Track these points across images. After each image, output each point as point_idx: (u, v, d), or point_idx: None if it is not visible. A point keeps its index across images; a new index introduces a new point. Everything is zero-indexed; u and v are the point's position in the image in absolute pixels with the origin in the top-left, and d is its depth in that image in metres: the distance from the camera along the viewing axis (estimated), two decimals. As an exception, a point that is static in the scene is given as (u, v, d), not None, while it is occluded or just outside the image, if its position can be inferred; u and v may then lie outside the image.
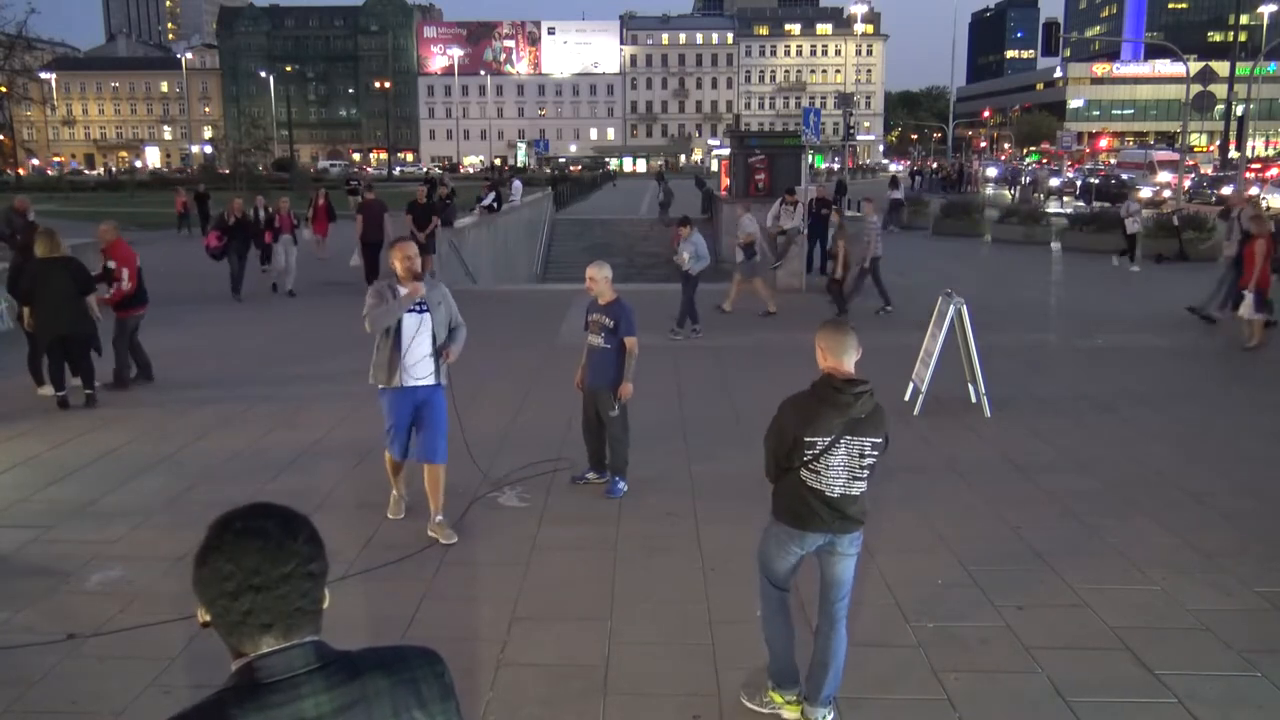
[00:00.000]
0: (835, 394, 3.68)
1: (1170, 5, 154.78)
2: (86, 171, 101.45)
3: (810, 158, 24.12)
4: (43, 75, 71.34)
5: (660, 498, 6.68)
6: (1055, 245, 24.30)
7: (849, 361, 3.77)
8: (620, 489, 6.78)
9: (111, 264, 9.71)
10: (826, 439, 3.67)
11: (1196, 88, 29.37)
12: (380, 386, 5.90)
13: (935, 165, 65.20)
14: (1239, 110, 45.42)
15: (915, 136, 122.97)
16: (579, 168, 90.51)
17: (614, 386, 6.61)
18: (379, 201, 17.28)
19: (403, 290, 5.73)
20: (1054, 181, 45.70)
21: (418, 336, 5.82)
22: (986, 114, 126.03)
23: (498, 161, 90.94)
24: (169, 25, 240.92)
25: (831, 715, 3.95)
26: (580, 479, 6.98)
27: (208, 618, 1.47)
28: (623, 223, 36.38)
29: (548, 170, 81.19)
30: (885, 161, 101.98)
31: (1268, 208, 31.30)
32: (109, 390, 9.55)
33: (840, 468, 3.70)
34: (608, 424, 6.71)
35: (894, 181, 35.34)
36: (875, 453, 3.75)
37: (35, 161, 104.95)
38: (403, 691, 1.52)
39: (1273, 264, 11.98)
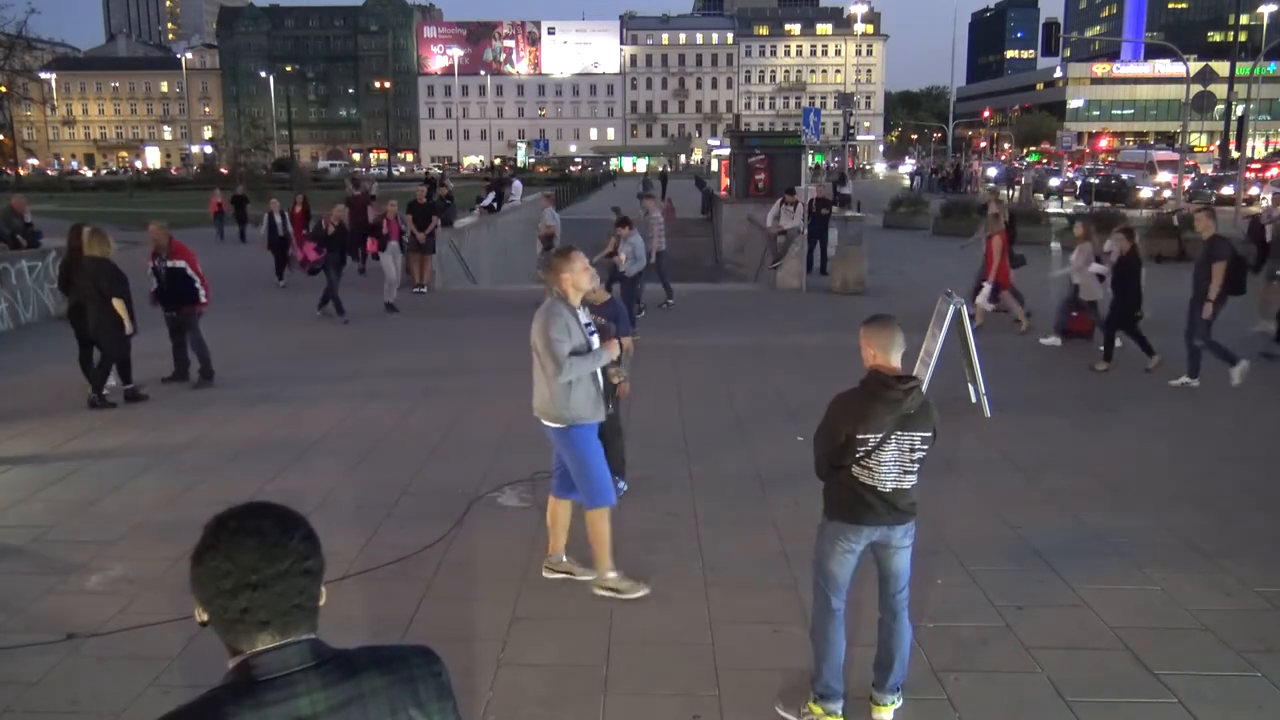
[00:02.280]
0: (885, 390, 3.69)
1: (1170, 5, 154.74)
2: (87, 172, 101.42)
3: (810, 158, 24.13)
4: (43, 75, 71.30)
5: (660, 498, 6.68)
6: (1055, 245, 24.28)
7: (896, 357, 3.78)
8: (620, 488, 6.76)
9: (180, 264, 9.87)
10: (878, 435, 3.68)
11: (1196, 88, 29.37)
12: (582, 424, 4.96)
13: (935, 166, 65.21)
14: (1239, 110, 45.43)
15: (915, 137, 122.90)
16: (579, 167, 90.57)
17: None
18: (365, 194, 19.76)
19: (585, 315, 5.03)
20: (1054, 181, 45.68)
21: None
22: (986, 114, 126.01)
23: (498, 161, 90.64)
24: (169, 25, 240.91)
25: (900, 701, 4.01)
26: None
27: (205, 616, 1.48)
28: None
29: (542, 170, 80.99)
30: (870, 164, 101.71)
31: (1268, 207, 31.37)
32: (201, 384, 9.86)
33: (892, 463, 3.72)
34: (605, 423, 6.70)
35: (841, 178, 32.29)
36: (925, 447, 3.78)
37: (35, 161, 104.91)
38: (399, 690, 1.52)
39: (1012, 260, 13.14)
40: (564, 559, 5.38)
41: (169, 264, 9.85)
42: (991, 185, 17.51)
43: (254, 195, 27.89)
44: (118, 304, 8.89)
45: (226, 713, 1.39)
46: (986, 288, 12.88)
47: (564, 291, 4.87)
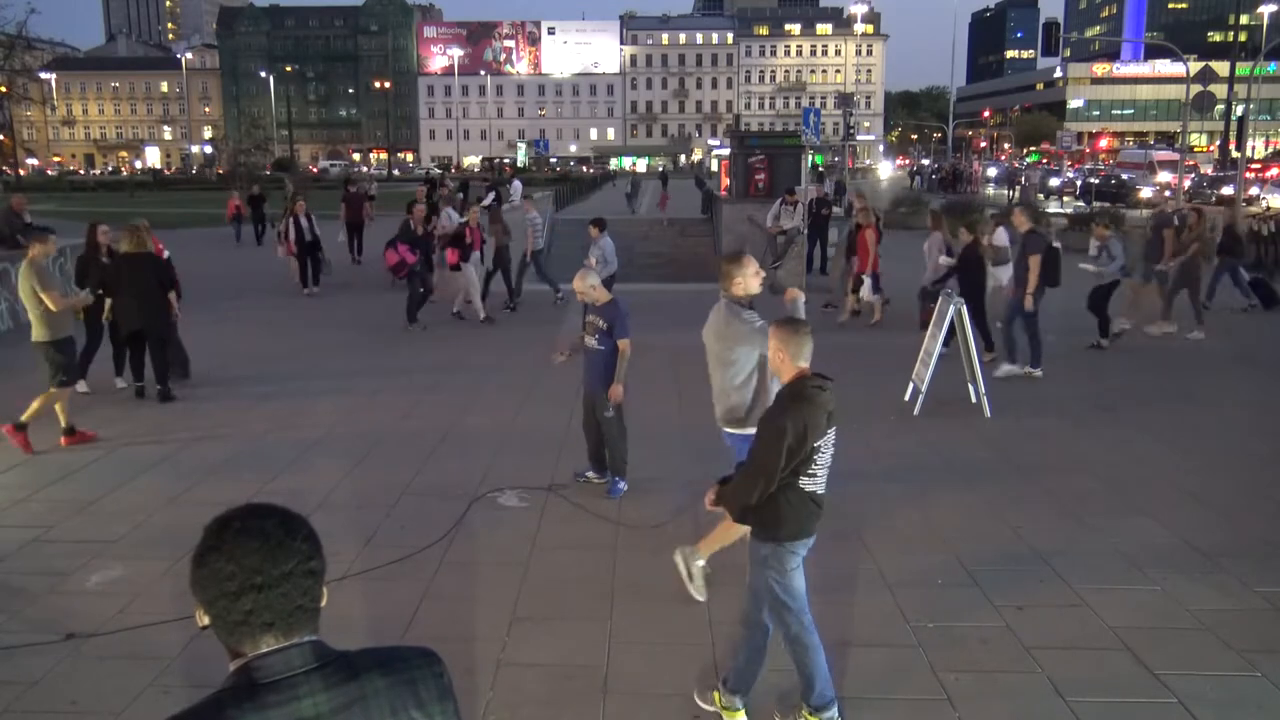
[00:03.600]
0: (820, 393, 3.66)
1: (1170, 5, 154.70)
2: (85, 172, 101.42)
3: (810, 158, 24.13)
4: (43, 75, 71.35)
5: (660, 498, 6.68)
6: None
7: (808, 359, 3.75)
8: (620, 489, 6.79)
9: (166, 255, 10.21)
10: (822, 440, 3.68)
11: (1196, 88, 29.35)
12: (747, 431, 4.84)
13: (936, 165, 65.23)
14: (1239, 110, 45.42)
15: (915, 136, 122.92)
16: (589, 168, 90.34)
17: (608, 388, 6.59)
18: (360, 192, 20.94)
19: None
20: (1054, 181, 45.68)
21: None
22: (986, 114, 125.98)
23: (498, 161, 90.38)
24: (169, 25, 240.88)
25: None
26: (580, 476, 6.99)
27: (207, 619, 1.47)
28: (621, 222, 36.35)
29: (535, 169, 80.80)
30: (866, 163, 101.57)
31: (1267, 207, 31.39)
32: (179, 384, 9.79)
33: (826, 466, 3.74)
34: (603, 425, 6.72)
35: (839, 189, 30.77)
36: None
37: (34, 161, 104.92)
38: (400, 691, 1.52)
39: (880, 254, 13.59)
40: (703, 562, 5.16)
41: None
42: (858, 190, 17.75)
43: (243, 192, 27.72)
44: (173, 296, 9.50)
45: (229, 716, 1.39)
46: (867, 280, 13.37)
47: (736, 295, 4.96)
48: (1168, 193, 27.37)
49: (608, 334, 6.58)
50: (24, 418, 7.71)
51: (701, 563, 5.13)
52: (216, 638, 1.48)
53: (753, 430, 4.70)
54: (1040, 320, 10.34)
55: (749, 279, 4.96)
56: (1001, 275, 12.19)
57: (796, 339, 3.71)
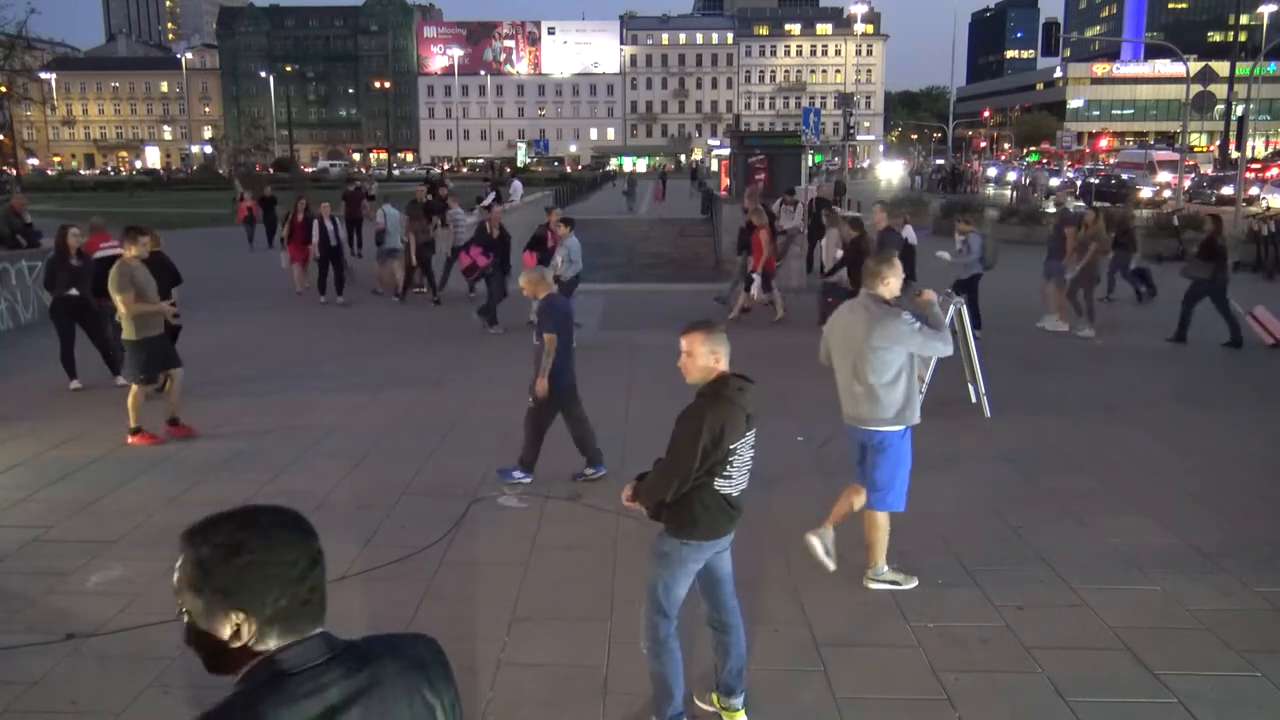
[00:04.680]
0: (741, 394, 3.65)
1: (1170, 5, 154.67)
2: (84, 171, 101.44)
3: (810, 157, 24.12)
4: (43, 75, 71.28)
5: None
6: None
7: (726, 359, 3.75)
8: (514, 476, 6.95)
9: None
10: (741, 441, 3.67)
11: (1196, 88, 29.37)
12: (909, 426, 5.13)
13: (938, 164, 65.23)
14: (1239, 110, 45.43)
15: (915, 136, 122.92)
16: (582, 167, 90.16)
17: (552, 381, 6.75)
18: (358, 190, 22.36)
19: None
20: (1054, 181, 45.71)
21: None
22: (986, 114, 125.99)
23: (498, 162, 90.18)
24: (169, 25, 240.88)
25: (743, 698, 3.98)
26: (579, 476, 7.05)
27: (240, 620, 1.44)
28: (621, 222, 36.44)
29: (537, 168, 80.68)
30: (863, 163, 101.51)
31: (1267, 207, 31.39)
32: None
33: (744, 467, 3.73)
34: (526, 415, 6.95)
35: (839, 188, 29.56)
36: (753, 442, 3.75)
37: (34, 161, 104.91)
38: (412, 675, 1.58)
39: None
40: (826, 539, 5.37)
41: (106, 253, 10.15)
42: (750, 192, 17.90)
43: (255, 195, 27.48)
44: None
45: (263, 711, 1.39)
46: (756, 279, 13.59)
47: (882, 294, 5.08)
48: (1155, 192, 27.36)
49: (540, 328, 6.79)
50: (131, 423, 7.80)
51: (887, 568, 5.29)
52: (232, 644, 1.44)
53: (902, 427, 4.97)
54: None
55: (895, 279, 5.10)
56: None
57: (723, 340, 3.69)
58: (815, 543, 5.36)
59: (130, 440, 7.82)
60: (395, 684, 1.54)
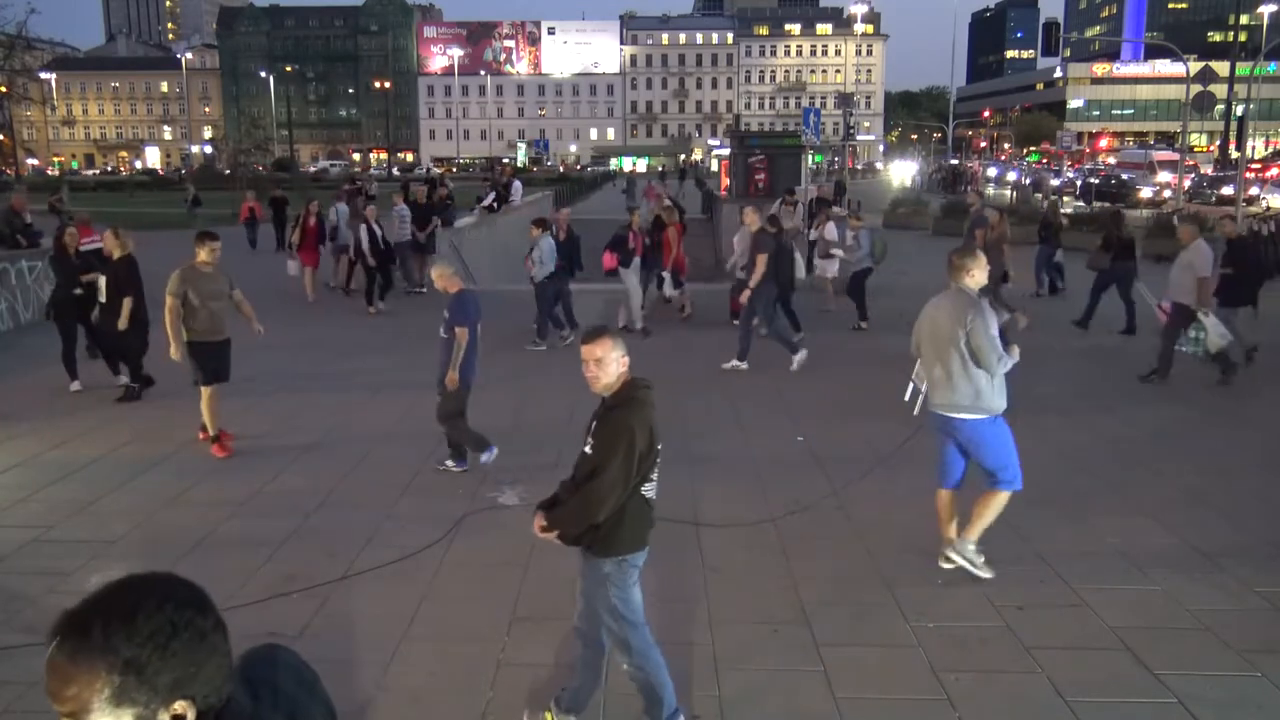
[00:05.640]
0: (649, 394, 3.58)
1: (1170, 5, 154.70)
2: (86, 172, 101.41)
3: (810, 158, 24.14)
4: (43, 75, 71.26)
5: (660, 498, 6.67)
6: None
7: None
8: (447, 465, 7.14)
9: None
10: (659, 444, 3.58)
11: (1196, 88, 29.35)
12: (1000, 413, 5.30)
13: (938, 165, 65.25)
14: (1239, 110, 45.43)
15: (915, 136, 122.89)
16: (579, 168, 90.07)
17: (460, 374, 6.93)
18: (355, 189, 21.46)
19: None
20: (1054, 181, 45.68)
21: None
22: (986, 114, 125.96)
23: (506, 161, 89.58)
24: (169, 25, 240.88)
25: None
26: (440, 466, 7.29)
27: (181, 709, 1.26)
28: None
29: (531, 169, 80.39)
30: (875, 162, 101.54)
31: (1268, 207, 31.39)
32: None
33: (657, 470, 3.64)
34: (438, 408, 7.11)
35: (839, 188, 29.39)
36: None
37: (34, 161, 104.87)
38: (310, 683, 1.54)
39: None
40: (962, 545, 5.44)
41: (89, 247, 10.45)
42: (659, 191, 17.92)
43: (262, 195, 27.22)
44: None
45: None
46: (666, 277, 13.83)
47: (969, 286, 5.24)
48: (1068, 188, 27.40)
49: (449, 322, 6.91)
50: (210, 431, 7.67)
51: (972, 548, 5.40)
52: None
53: (982, 415, 5.17)
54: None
55: (980, 271, 5.28)
56: (828, 267, 13.99)
57: (620, 345, 3.59)
58: (958, 558, 5.43)
59: (214, 450, 7.60)
60: (305, 694, 1.49)
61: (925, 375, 5.44)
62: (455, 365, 6.90)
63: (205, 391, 7.57)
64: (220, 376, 7.69)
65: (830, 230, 13.90)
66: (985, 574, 5.34)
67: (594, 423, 3.59)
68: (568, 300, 12.61)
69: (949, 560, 5.44)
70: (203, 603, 1.31)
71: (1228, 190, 33.62)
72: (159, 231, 28.19)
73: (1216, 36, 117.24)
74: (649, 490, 3.61)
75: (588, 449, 3.55)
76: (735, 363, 10.73)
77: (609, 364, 3.53)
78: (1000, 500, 5.34)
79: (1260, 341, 10.91)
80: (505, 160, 57.52)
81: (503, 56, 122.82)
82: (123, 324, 9.18)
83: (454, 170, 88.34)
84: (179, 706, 1.25)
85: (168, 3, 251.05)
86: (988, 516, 5.37)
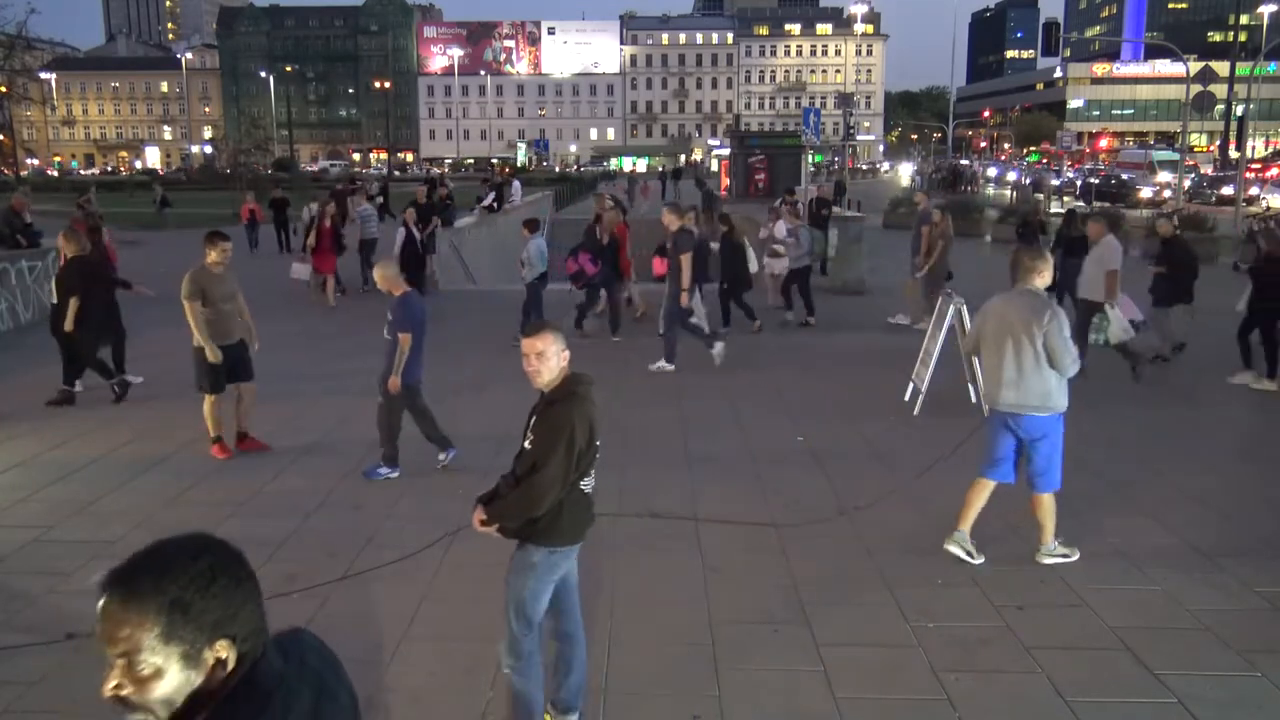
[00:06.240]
0: (590, 390, 3.59)
1: (1170, 5, 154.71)
2: (84, 172, 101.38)
3: (810, 158, 24.15)
4: (43, 75, 71.23)
5: (661, 498, 6.68)
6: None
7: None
8: (380, 474, 7.05)
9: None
10: (598, 440, 3.60)
11: (1196, 88, 29.36)
12: (1061, 413, 5.46)
13: (936, 165, 65.27)
14: (1239, 110, 45.43)
15: (915, 136, 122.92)
16: (579, 168, 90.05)
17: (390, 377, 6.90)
18: (359, 188, 22.49)
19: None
20: (1054, 181, 45.69)
21: None
22: (986, 114, 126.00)
23: (495, 162, 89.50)
24: (169, 25, 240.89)
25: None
26: (438, 465, 7.27)
27: (222, 650, 1.41)
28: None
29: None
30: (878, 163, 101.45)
31: (1268, 207, 31.40)
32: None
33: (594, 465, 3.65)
34: (378, 410, 7.06)
35: (839, 188, 28.33)
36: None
37: (34, 161, 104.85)
38: (334, 664, 1.62)
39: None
40: (969, 537, 5.62)
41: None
42: (599, 192, 18.13)
43: (262, 196, 27.14)
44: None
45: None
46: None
47: (1038, 287, 5.39)
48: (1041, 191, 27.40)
49: (394, 326, 6.88)
50: (210, 433, 7.57)
51: (1056, 542, 5.58)
52: (210, 681, 1.43)
53: (1055, 413, 5.30)
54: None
55: (1048, 272, 5.46)
56: (775, 265, 14.29)
57: (562, 340, 3.60)
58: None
59: (214, 451, 7.55)
60: (330, 674, 1.57)
61: (988, 373, 5.54)
62: (398, 370, 6.83)
63: (207, 399, 7.52)
64: (238, 378, 7.63)
65: (780, 228, 14.24)
66: (1074, 555, 5.55)
67: (533, 418, 3.60)
68: (616, 303, 12.62)
69: (957, 547, 5.57)
70: (237, 554, 1.46)
71: (1228, 190, 33.60)
72: (158, 232, 28.21)
73: (1216, 36, 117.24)
74: (587, 485, 3.62)
75: (527, 444, 3.57)
76: (663, 365, 10.73)
77: (550, 358, 3.53)
78: (1051, 502, 5.52)
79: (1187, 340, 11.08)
80: (493, 161, 57.69)
81: (503, 56, 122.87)
82: (68, 325, 9.02)
83: (444, 169, 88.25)
84: (221, 646, 1.38)
85: (168, 3, 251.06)
86: (1050, 518, 5.56)
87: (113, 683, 1.41)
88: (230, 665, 1.39)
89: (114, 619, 1.39)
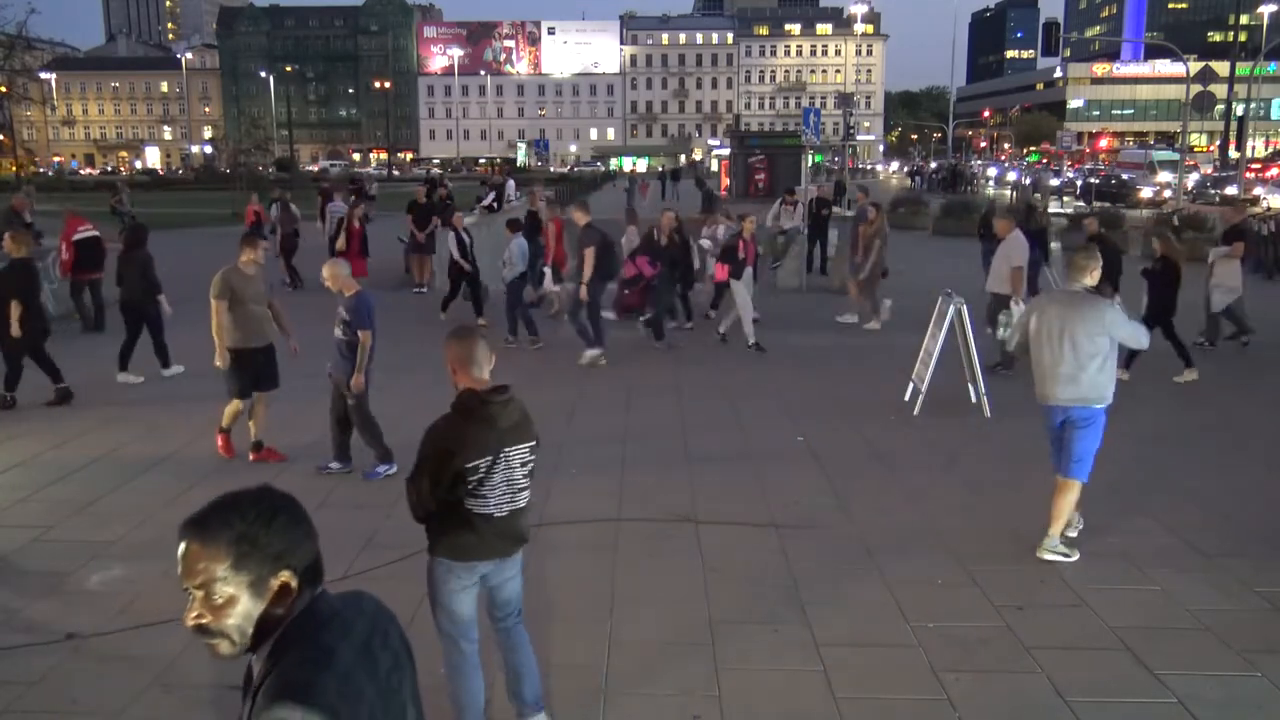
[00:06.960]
0: (482, 408, 3.41)
1: (1170, 5, 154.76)
2: (85, 172, 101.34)
3: (810, 157, 24.16)
4: (43, 75, 71.24)
5: (660, 498, 6.68)
6: (1055, 245, 24.27)
7: (486, 371, 3.56)
8: (379, 473, 7.06)
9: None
10: (487, 459, 3.40)
11: (1196, 88, 29.37)
12: (1106, 406, 5.58)
13: (936, 165, 65.30)
14: (1239, 110, 45.43)
15: (915, 137, 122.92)
16: (576, 168, 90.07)
17: (350, 378, 6.89)
18: (333, 186, 22.14)
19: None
20: (1054, 181, 45.69)
21: None
22: (986, 114, 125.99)
23: (483, 163, 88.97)
24: (169, 25, 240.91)
25: (544, 715, 3.85)
26: (324, 469, 7.19)
27: (286, 577, 1.62)
28: (622, 222, 36.32)
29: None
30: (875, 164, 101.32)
31: (1268, 207, 31.37)
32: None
33: (503, 484, 3.47)
34: (351, 414, 7.04)
35: (839, 188, 28.02)
36: (532, 458, 3.59)
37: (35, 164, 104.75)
38: (389, 615, 1.82)
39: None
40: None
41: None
42: (534, 190, 18.20)
43: (263, 197, 26.89)
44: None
45: (329, 644, 1.59)
46: (548, 271, 14.08)
47: (1089, 285, 5.56)
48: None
49: (350, 325, 6.85)
50: (222, 424, 7.55)
51: (1055, 540, 5.61)
52: (276, 607, 1.61)
53: (1103, 405, 5.48)
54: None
55: (1097, 270, 5.58)
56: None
57: (459, 350, 3.50)
58: (1049, 553, 5.59)
59: (220, 447, 7.57)
60: (385, 620, 1.77)
61: (1044, 370, 5.57)
62: (361, 368, 6.84)
63: (234, 403, 7.46)
64: (261, 386, 7.57)
65: (720, 231, 14.29)
66: (1073, 557, 5.57)
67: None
68: (662, 312, 12.17)
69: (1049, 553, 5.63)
70: (293, 498, 1.71)
71: (1231, 190, 33.59)
72: (158, 232, 28.17)
73: (1216, 36, 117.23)
74: (479, 506, 3.44)
75: None
76: (590, 353, 10.82)
77: (447, 365, 3.55)
78: (1074, 493, 5.56)
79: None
80: (481, 161, 57.78)
81: (503, 56, 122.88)
82: (15, 331, 8.78)
83: (435, 169, 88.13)
84: (284, 575, 1.60)
85: (168, 3, 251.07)
86: (1066, 510, 5.60)
87: (194, 613, 1.58)
88: (294, 591, 1.60)
89: (192, 557, 1.57)
